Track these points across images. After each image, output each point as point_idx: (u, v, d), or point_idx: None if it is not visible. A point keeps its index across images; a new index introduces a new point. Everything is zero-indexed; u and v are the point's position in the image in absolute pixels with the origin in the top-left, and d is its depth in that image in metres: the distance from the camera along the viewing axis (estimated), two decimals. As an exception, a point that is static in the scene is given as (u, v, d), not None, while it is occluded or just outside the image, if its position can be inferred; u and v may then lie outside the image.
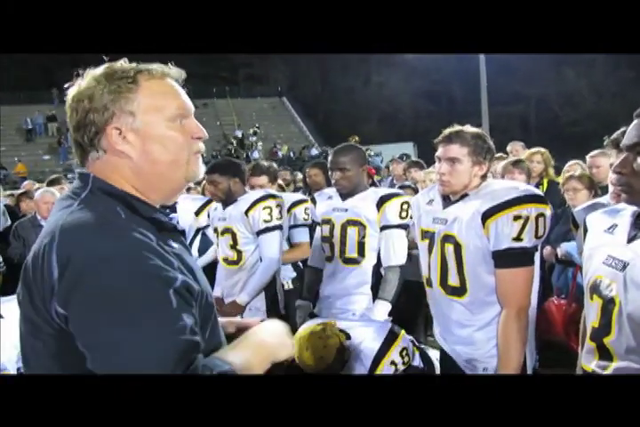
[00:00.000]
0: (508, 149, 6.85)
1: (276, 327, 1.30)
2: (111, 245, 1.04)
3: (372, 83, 48.09)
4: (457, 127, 2.36)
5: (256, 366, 1.18)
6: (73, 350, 1.05)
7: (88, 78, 1.18)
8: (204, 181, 4.07)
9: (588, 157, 4.33)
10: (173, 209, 4.32)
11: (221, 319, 1.35)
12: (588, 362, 1.64)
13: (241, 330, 1.37)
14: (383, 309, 3.14)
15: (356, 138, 24.76)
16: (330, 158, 3.26)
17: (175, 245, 1.20)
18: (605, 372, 1.57)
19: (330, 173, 3.27)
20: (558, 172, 5.12)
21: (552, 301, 3.61)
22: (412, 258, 3.33)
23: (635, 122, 1.47)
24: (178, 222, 2.57)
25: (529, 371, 2.34)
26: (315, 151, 31.46)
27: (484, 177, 2.37)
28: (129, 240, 1.07)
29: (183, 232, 1.32)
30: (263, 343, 1.23)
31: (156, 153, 1.18)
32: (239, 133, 36.06)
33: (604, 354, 1.58)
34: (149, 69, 1.20)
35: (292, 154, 33.63)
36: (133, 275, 1.03)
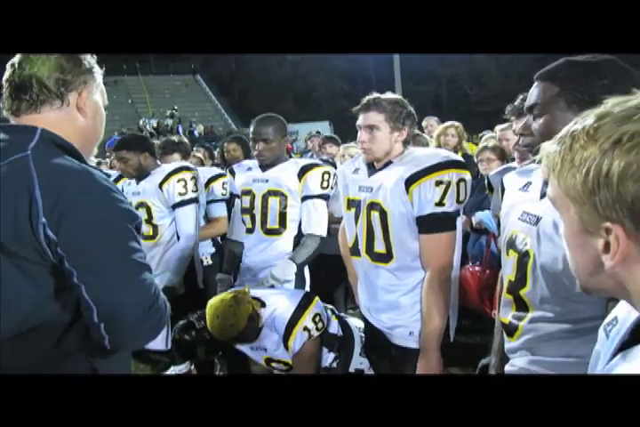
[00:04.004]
0: (424, 124, 6.97)
1: None
2: (94, 178, 1.27)
3: (286, 61, 47.73)
4: (375, 95, 2.38)
5: None
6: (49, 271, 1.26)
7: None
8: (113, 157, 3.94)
9: (497, 131, 4.49)
10: None
11: None
12: (506, 314, 1.71)
13: None
14: (287, 267, 3.09)
15: None
16: (252, 129, 3.21)
17: None
18: (522, 322, 1.64)
19: (251, 143, 3.22)
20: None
21: (467, 268, 3.72)
22: (332, 232, 3.33)
23: (534, 84, 1.54)
24: None
25: (451, 334, 2.42)
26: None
27: (405, 143, 2.39)
28: (102, 177, 1.30)
29: None
30: None
31: (98, 123, 1.51)
32: (154, 122, 34.99)
33: (521, 305, 1.65)
34: (98, 66, 1.49)
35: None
36: (114, 207, 1.29)
